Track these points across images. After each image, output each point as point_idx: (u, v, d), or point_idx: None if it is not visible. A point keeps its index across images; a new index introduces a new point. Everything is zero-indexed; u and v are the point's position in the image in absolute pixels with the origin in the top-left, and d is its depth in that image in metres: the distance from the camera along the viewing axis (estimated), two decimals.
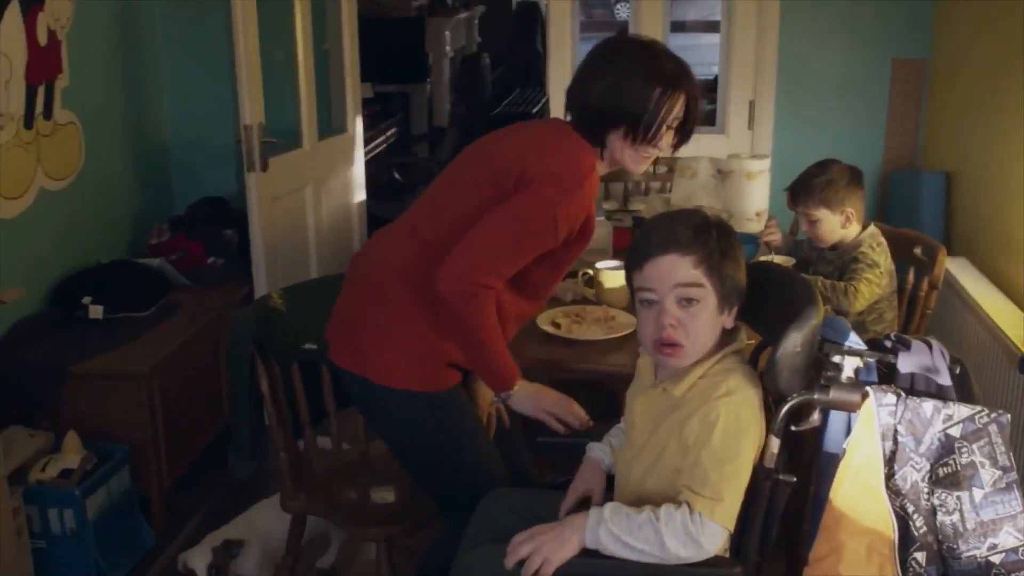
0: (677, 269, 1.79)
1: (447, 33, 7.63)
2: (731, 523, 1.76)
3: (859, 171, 3.08)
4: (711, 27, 5.09)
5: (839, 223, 3.04)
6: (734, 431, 1.76)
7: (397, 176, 6.09)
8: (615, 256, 3.11)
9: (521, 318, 2.31)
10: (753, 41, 4.56)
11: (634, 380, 2.02)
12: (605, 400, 3.31)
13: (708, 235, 1.80)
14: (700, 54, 8.31)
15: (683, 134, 2.21)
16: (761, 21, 4.53)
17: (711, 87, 4.96)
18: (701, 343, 1.83)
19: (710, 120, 4.91)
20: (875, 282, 2.95)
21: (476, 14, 8.89)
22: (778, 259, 3.15)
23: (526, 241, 2.09)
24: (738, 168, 3.65)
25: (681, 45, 9.92)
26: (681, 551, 1.74)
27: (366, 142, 5.15)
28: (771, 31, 4.52)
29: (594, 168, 2.15)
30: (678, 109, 2.14)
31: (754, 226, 3.54)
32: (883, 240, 3.07)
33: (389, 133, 6.40)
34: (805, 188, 3.06)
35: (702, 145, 4.47)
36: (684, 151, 4.25)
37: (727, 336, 1.88)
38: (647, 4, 4.70)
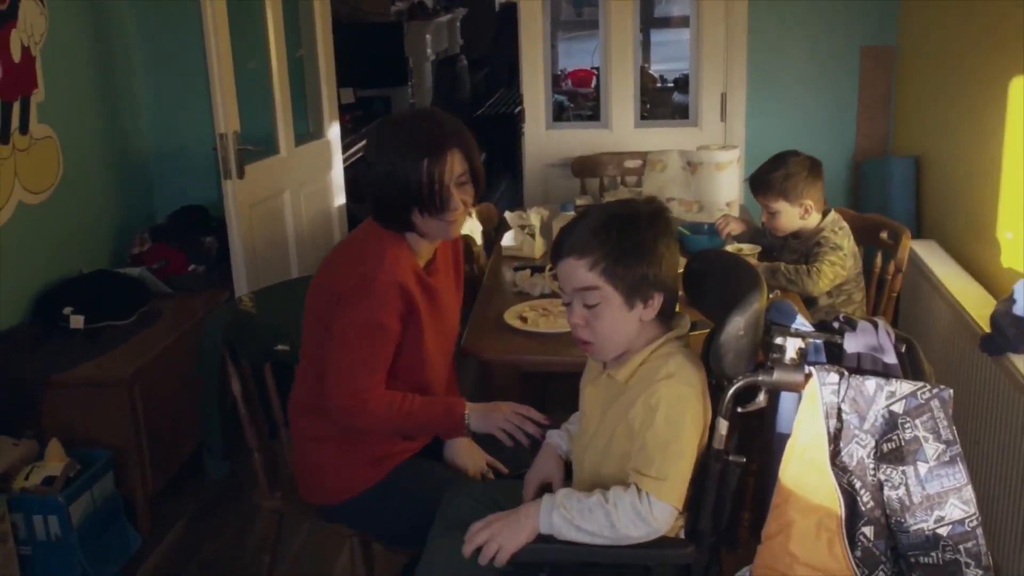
0: (574, 273, 1.84)
1: (428, 36, 7.66)
2: (679, 501, 1.81)
3: (818, 162, 3.13)
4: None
5: (797, 215, 3.09)
6: (676, 412, 1.80)
7: None
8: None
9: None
10: (723, 34, 4.60)
11: (585, 369, 2.07)
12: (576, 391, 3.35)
13: (606, 236, 1.82)
14: (682, 49, 8.33)
15: (475, 184, 2.23)
16: (730, 13, 4.57)
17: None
18: (611, 340, 1.88)
19: (683, 114, 4.95)
20: (838, 264, 3.00)
21: (458, 16, 8.91)
22: (745, 248, 3.19)
23: (370, 348, 2.17)
24: (707, 160, 3.70)
25: (663, 40, 9.98)
26: (632, 531, 1.78)
27: (349, 146, 5.19)
28: (740, 23, 4.56)
29: (385, 256, 2.17)
30: (454, 166, 2.16)
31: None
32: (845, 224, 3.12)
33: None
34: (764, 182, 3.10)
35: (677, 139, 4.53)
36: (656, 144, 4.32)
37: (669, 321, 1.93)
38: (616, 3, 4.74)
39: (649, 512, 1.78)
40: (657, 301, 1.86)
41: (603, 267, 1.82)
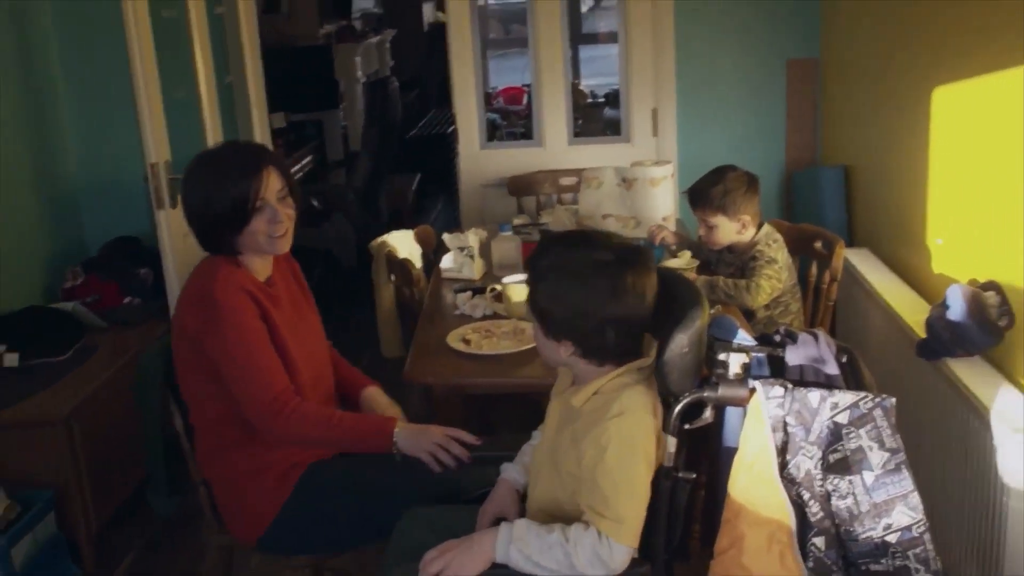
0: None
1: (357, 59, 7.64)
2: (636, 541, 1.82)
3: (756, 177, 3.17)
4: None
5: (735, 229, 3.13)
6: (627, 452, 1.81)
7: (315, 203, 6.09)
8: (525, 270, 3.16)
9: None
10: (651, 50, 4.65)
11: (557, 379, 2.08)
12: (529, 412, 3.35)
13: (547, 265, 1.87)
14: (611, 63, 8.41)
15: (293, 195, 2.34)
16: (656, 30, 4.62)
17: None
18: (543, 356, 1.96)
19: (615, 129, 4.98)
20: (775, 277, 3.04)
21: (387, 38, 8.91)
22: (684, 261, 3.22)
23: (254, 352, 2.22)
24: (642, 176, 3.73)
25: (592, 56, 10.05)
26: (589, 571, 1.79)
27: None
28: (667, 39, 4.61)
29: (217, 275, 2.24)
30: (273, 183, 2.26)
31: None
32: (779, 236, 3.17)
33: (305, 161, 6.41)
34: (703, 196, 3.14)
35: (610, 155, 4.56)
36: (590, 161, 4.34)
37: (636, 351, 1.92)
38: (544, 20, 4.77)
39: (609, 555, 1.78)
40: (567, 347, 1.87)
41: (530, 294, 1.89)
